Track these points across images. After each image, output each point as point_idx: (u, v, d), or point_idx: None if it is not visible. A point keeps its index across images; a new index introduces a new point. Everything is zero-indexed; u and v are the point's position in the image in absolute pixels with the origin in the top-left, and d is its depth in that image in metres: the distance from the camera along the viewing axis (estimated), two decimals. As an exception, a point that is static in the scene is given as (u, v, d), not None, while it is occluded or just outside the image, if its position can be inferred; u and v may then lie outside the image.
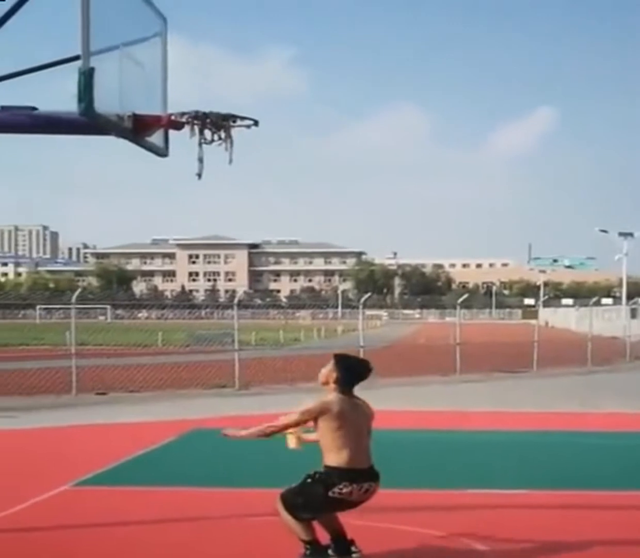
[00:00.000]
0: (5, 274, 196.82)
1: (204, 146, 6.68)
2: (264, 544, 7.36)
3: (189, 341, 38.81)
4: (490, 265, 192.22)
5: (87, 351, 24.09)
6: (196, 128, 6.65)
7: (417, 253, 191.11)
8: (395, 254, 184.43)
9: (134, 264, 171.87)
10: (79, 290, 23.54)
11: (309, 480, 6.64)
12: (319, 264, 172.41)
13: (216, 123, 6.62)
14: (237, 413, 15.75)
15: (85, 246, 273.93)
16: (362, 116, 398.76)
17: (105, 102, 6.17)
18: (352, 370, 6.82)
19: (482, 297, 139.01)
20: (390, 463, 10.89)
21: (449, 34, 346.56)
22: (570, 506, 8.83)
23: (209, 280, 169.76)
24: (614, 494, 9.48)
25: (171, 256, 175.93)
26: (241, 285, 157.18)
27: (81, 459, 11.32)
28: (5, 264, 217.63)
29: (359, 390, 6.77)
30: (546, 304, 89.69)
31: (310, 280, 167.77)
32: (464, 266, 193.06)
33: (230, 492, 9.45)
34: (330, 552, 6.75)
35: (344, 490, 6.50)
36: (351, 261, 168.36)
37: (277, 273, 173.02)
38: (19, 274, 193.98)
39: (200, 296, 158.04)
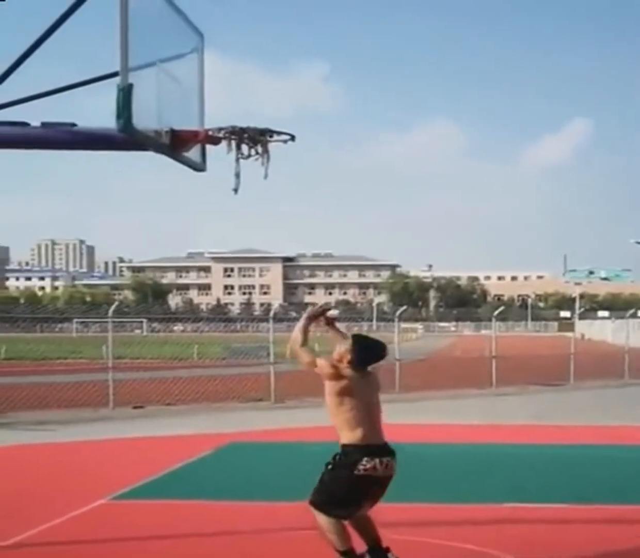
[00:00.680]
0: (42, 288, 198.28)
1: (240, 160, 6.72)
2: (301, 558, 7.36)
3: (225, 354, 38.87)
4: (526, 278, 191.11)
5: (124, 365, 24.22)
6: (233, 143, 6.68)
7: (452, 266, 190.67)
8: (430, 266, 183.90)
9: (169, 278, 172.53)
10: (116, 304, 23.68)
11: (331, 467, 6.68)
12: (353, 277, 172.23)
13: (253, 138, 6.65)
14: (273, 426, 15.76)
15: (121, 260, 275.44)
16: (396, 130, 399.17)
17: (144, 118, 6.22)
18: (367, 351, 6.91)
19: (518, 309, 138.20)
20: (427, 476, 10.89)
21: (483, 48, 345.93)
22: (607, 521, 8.75)
23: (244, 293, 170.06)
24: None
25: (206, 269, 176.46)
26: (276, 298, 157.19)
27: (118, 473, 11.37)
28: (42, 278, 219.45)
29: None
30: (582, 316, 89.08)
31: (345, 293, 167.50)
32: (499, 278, 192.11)
33: (267, 505, 9.44)
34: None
35: (368, 465, 6.53)
36: (386, 274, 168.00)
37: (312, 286, 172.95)
38: (56, 288, 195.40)
39: (235, 310, 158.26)
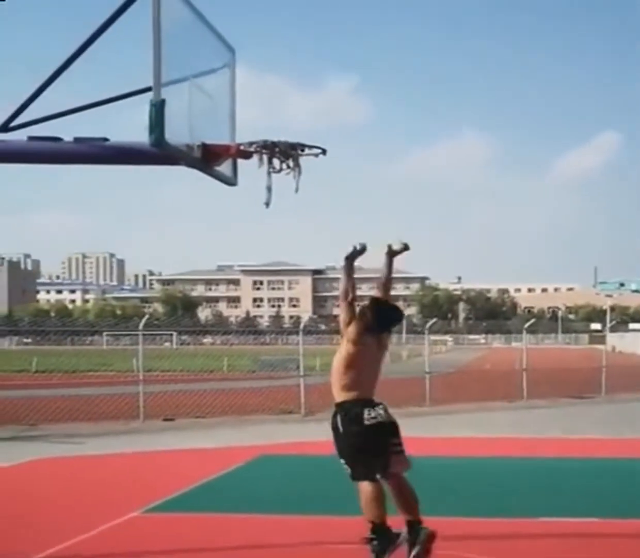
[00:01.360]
0: (73, 301, 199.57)
1: (272, 174, 6.75)
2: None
3: (254, 367, 38.92)
4: (556, 289, 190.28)
5: (154, 377, 24.29)
6: (265, 157, 6.73)
7: (481, 278, 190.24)
8: (459, 278, 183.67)
9: (199, 291, 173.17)
10: (146, 317, 23.76)
11: (340, 431, 6.89)
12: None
13: (285, 152, 6.69)
14: (304, 439, 15.74)
15: (151, 273, 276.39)
16: (425, 143, 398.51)
17: (176, 133, 6.27)
18: (385, 315, 7.21)
19: (548, 322, 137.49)
20: (459, 490, 10.84)
21: (511, 61, 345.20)
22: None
23: (273, 306, 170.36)
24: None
25: (236, 282, 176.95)
26: (305, 311, 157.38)
27: (150, 485, 11.39)
28: (73, 291, 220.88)
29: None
30: (613, 329, 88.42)
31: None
32: (529, 290, 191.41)
33: (299, 519, 9.41)
34: (403, 534, 6.83)
35: (372, 413, 6.82)
36: (415, 286, 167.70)
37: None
38: (86, 301, 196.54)
39: (264, 322, 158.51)
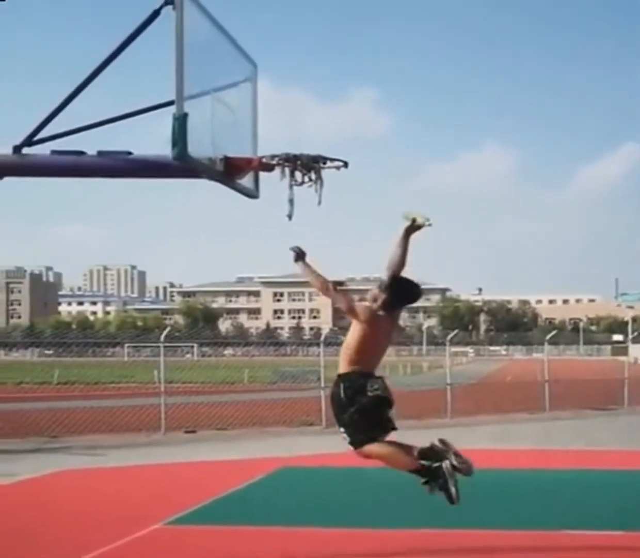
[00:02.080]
0: (94, 313, 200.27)
1: (294, 187, 6.78)
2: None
3: (275, 379, 38.94)
4: (577, 301, 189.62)
5: (175, 389, 24.34)
6: (287, 170, 6.76)
7: (502, 289, 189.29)
8: (480, 290, 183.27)
9: (219, 302, 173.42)
10: (168, 329, 23.84)
11: (345, 401, 6.97)
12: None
13: (307, 165, 6.72)
14: (325, 451, 15.71)
15: (172, 285, 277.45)
16: (446, 155, 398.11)
17: (198, 146, 6.31)
18: (406, 292, 7.29)
19: (569, 333, 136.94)
20: (481, 503, 10.79)
21: (533, 73, 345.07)
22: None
23: (293, 317, 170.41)
24: None
25: (256, 294, 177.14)
26: (326, 322, 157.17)
27: (171, 498, 11.39)
28: (94, 303, 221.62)
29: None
30: (635, 340, 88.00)
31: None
32: (551, 302, 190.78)
33: (321, 531, 9.37)
34: (445, 465, 6.91)
35: (375, 385, 6.94)
36: (435, 298, 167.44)
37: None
38: (107, 313, 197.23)
39: (285, 334, 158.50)
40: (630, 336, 79.61)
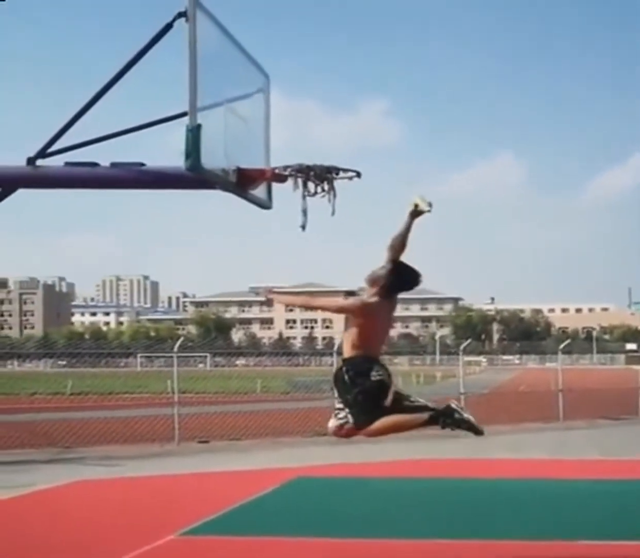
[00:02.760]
0: (107, 324, 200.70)
1: (307, 198, 6.80)
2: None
3: (288, 389, 38.91)
4: (590, 310, 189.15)
5: (189, 399, 24.35)
6: (300, 181, 6.77)
7: (515, 298, 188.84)
8: (492, 299, 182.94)
9: (232, 312, 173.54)
10: (181, 339, 23.87)
11: (349, 383, 7.04)
12: (415, 310, 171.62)
13: (320, 176, 6.73)
14: (339, 461, 15.70)
15: (185, 295, 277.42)
16: (457, 163, 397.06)
17: (211, 157, 6.33)
18: (407, 278, 7.30)
19: (583, 342, 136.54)
20: (497, 513, 10.77)
21: (544, 83, 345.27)
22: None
23: (306, 327, 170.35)
24: None
25: (269, 303, 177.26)
26: (338, 332, 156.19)
27: (186, 508, 11.39)
28: (107, 313, 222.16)
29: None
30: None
31: (407, 326, 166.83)
32: (563, 310, 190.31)
33: (336, 542, 9.36)
34: (453, 405, 7.08)
35: (380, 371, 6.99)
36: (448, 307, 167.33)
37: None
38: (120, 323, 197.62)
39: (297, 344, 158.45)
40: (643, 345, 79.63)
